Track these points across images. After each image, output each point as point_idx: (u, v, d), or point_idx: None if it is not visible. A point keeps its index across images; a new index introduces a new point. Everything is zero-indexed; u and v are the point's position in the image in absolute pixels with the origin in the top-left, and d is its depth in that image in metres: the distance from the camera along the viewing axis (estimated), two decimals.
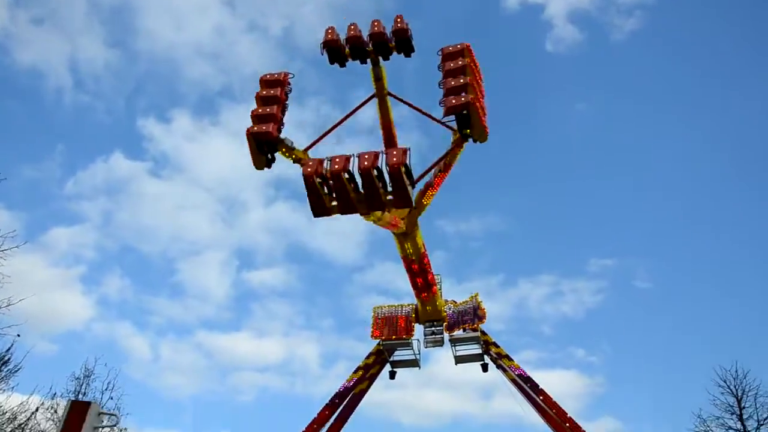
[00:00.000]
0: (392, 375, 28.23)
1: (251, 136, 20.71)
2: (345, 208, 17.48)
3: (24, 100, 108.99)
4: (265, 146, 20.98)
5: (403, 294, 28.09)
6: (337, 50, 22.87)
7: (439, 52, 21.01)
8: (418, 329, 27.42)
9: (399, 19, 22.67)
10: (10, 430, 26.63)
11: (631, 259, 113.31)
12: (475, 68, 20.89)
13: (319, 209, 17.62)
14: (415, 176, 18.08)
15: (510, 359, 27.08)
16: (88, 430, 10.26)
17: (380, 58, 23.14)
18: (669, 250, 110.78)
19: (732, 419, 29.23)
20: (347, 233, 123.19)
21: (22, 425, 28.18)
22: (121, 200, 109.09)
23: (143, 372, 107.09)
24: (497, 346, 27.39)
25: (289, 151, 21.47)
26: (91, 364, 33.11)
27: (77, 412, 10.29)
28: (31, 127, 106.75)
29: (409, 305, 27.42)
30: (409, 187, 17.14)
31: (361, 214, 18.51)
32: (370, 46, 22.89)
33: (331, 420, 28.25)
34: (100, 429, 10.85)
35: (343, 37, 22.86)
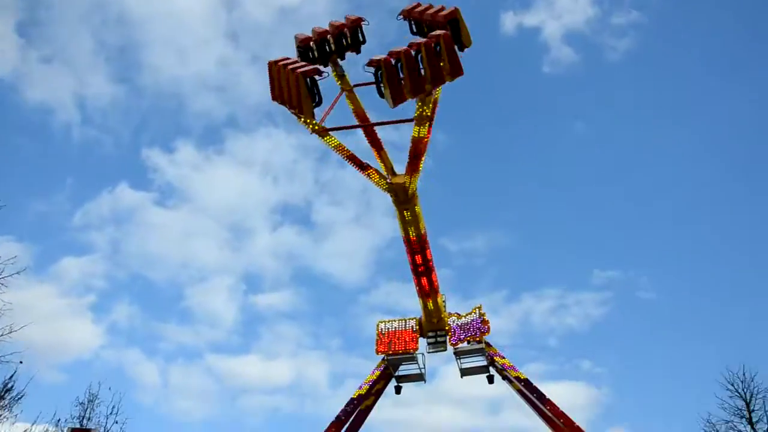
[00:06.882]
0: (398, 390, 28.10)
1: (302, 75, 20.98)
2: (414, 87, 20.36)
3: (33, 135, 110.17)
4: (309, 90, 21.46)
5: (407, 312, 28.06)
6: (308, 53, 26.02)
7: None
8: (423, 343, 27.32)
9: (352, 18, 26.71)
10: None
11: (635, 270, 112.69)
12: None
13: (399, 95, 20.45)
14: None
15: (515, 370, 26.93)
16: None
17: (339, 59, 26.88)
18: (671, 260, 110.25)
19: (741, 423, 28.97)
20: (352, 255, 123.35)
21: None
22: (128, 230, 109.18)
23: (153, 397, 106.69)
24: (502, 357, 27.26)
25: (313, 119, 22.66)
26: (96, 389, 33.03)
27: None
28: (41, 162, 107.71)
29: (412, 319, 27.33)
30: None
31: (426, 93, 21.61)
32: (333, 45, 26.19)
33: None
34: None
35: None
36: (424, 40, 20.77)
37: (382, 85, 20.59)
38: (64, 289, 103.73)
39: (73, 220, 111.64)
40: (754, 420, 28.88)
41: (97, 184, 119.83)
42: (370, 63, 20.79)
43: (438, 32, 21.03)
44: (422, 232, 25.91)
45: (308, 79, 21.25)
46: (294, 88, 21.45)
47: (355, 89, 27.68)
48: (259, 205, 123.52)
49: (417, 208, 25.56)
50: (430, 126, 24.16)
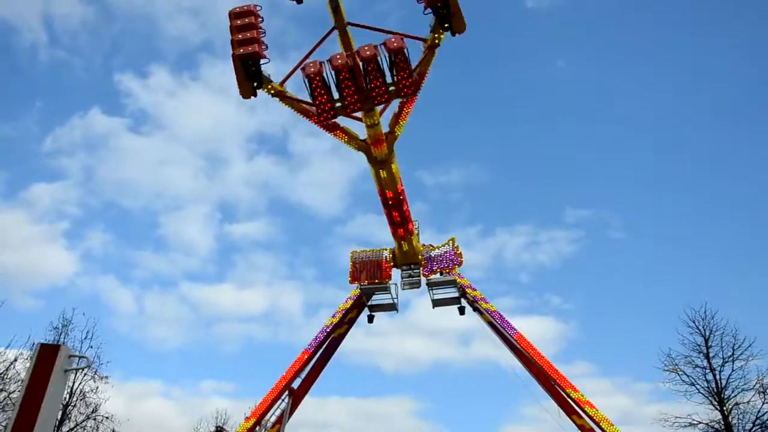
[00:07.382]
0: (370, 319, 28.56)
1: (238, 58, 19.66)
2: (350, 107, 18.41)
3: None
4: (251, 69, 20.05)
5: (382, 244, 28.21)
6: None
7: None
8: (396, 274, 27.64)
9: None
10: None
11: (607, 210, 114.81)
12: None
13: (325, 112, 18.52)
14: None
15: (486, 302, 27.45)
16: (59, 372, 10.10)
17: None
18: (643, 201, 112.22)
19: (699, 357, 30.17)
20: (328, 186, 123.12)
21: (2, 374, 28.23)
22: (101, 156, 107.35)
23: (128, 324, 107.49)
24: (474, 290, 27.70)
25: (268, 83, 20.78)
26: (70, 315, 33.08)
27: (46, 355, 10.11)
28: (6, 84, 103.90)
29: (386, 249, 27.53)
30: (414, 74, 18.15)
31: (366, 110, 19.12)
32: None
33: (311, 363, 28.67)
34: (72, 371, 10.78)
35: None
36: (370, 52, 17.94)
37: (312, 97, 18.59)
38: (36, 215, 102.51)
39: (44, 145, 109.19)
40: (711, 355, 30.09)
41: (68, 109, 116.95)
42: (303, 70, 18.79)
43: (392, 42, 18.00)
44: (398, 185, 24.18)
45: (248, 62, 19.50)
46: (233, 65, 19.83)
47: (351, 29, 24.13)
48: (234, 133, 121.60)
49: (393, 167, 23.14)
50: (407, 109, 21.64)
